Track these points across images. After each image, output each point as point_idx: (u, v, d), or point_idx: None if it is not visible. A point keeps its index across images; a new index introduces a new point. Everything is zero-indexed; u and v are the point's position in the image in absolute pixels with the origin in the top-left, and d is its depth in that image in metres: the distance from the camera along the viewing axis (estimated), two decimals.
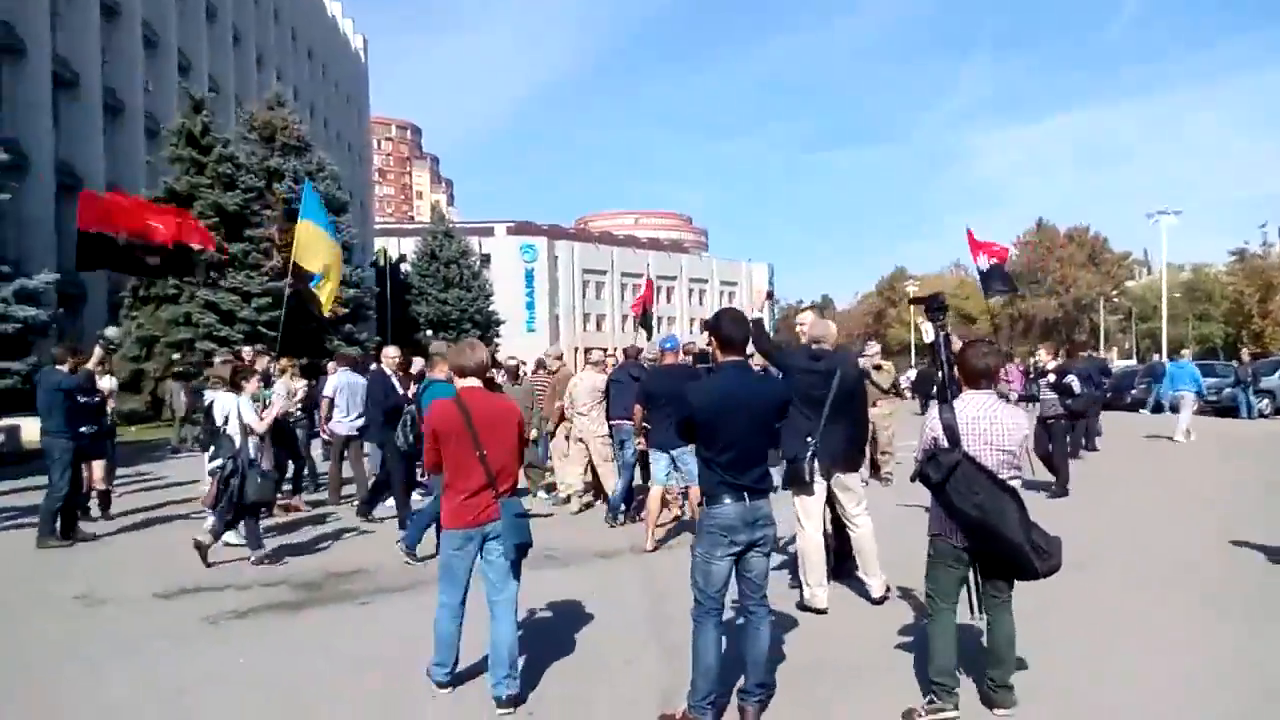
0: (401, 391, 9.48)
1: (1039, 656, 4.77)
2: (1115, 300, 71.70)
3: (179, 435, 17.84)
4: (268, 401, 8.93)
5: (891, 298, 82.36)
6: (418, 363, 10.53)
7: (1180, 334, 60.81)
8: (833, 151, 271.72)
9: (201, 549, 7.43)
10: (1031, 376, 13.14)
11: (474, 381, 4.57)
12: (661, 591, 6.38)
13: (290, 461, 10.68)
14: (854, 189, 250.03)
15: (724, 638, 4.29)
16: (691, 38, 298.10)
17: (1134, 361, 47.02)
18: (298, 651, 5.36)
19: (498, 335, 51.71)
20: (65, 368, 9.02)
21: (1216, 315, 67.48)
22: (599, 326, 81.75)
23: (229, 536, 7.89)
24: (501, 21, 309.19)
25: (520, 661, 4.56)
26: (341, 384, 10.79)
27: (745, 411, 4.13)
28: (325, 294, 12.72)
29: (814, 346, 6.22)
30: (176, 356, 24.75)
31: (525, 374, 12.84)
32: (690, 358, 8.70)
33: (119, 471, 11.73)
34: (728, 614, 4.29)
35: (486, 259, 64.07)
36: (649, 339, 16.46)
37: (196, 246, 10.58)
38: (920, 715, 4.14)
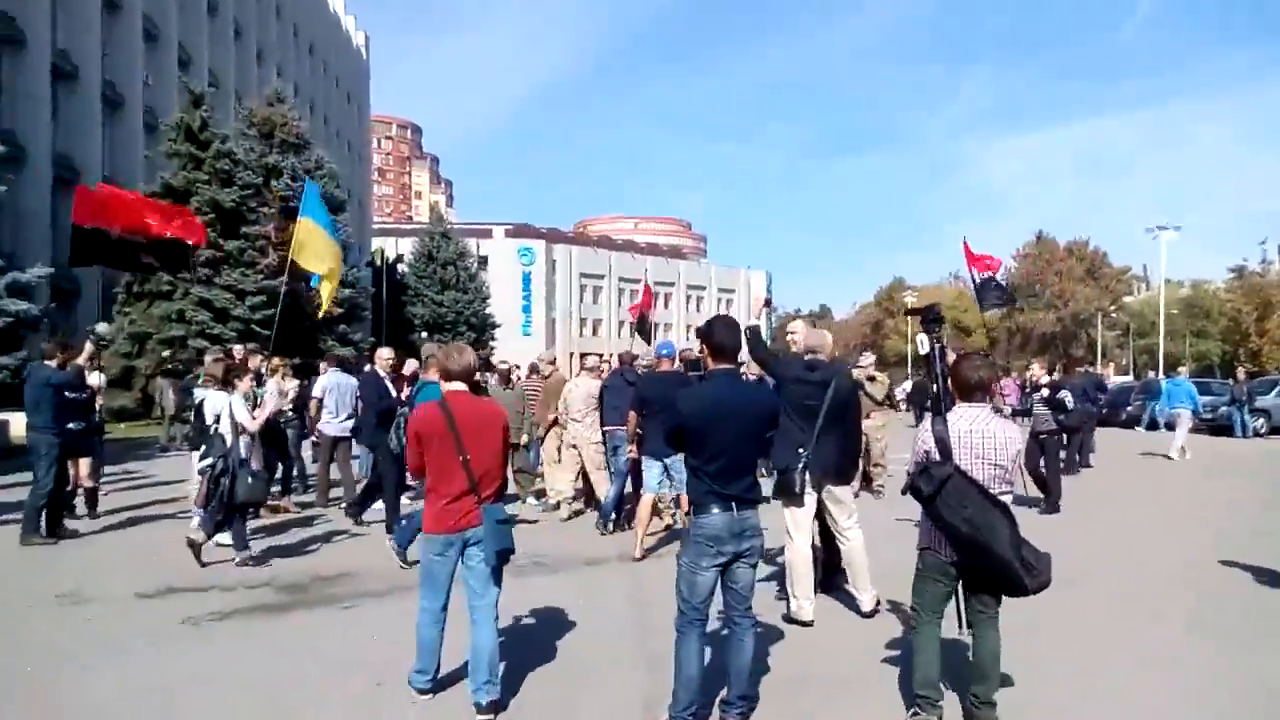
0: (395, 393, 9.42)
1: (1027, 673, 4.75)
2: (1113, 315, 71.82)
3: (168, 433, 17.74)
4: (260, 400, 8.86)
5: (890, 308, 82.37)
6: (410, 364, 10.47)
7: (1178, 351, 60.93)
8: (834, 158, 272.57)
9: (195, 547, 7.39)
10: (1026, 391, 13.12)
11: (460, 385, 4.53)
12: (648, 600, 6.34)
13: (279, 462, 10.62)
14: (855, 196, 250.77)
15: (708, 648, 4.27)
16: (693, 40, 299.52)
17: (1130, 377, 47.01)
18: (280, 654, 5.31)
19: (493, 338, 51.66)
20: (54, 363, 8.95)
21: (1214, 333, 67.61)
22: (595, 331, 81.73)
23: (220, 536, 7.83)
24: (503, 21, 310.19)
25: (501, 668, 4.51)
26: (330, 384, 10.72)
27: (735, 420, 4.10)
28: (325, 294, 12.71)
29: (809, 357, 6.18)
30: (166, 354, 24.64)
31: (519, 378, 12.80)
32: (683, 365, 8.66)
33: (107, 469, 11.64)
34: (713, 624, 4.25)
35: (484, 261, 64.12)
36: (648, 345, 16.42)
37: (191, 242, 10.52)
38: None
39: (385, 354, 10.03)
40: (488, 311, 52.23)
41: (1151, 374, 39.12)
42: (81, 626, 5.89)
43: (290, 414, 11.32)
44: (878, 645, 5.42)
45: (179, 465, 12.22)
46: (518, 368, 14.21)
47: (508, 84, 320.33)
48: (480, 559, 4.38)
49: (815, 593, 6.11)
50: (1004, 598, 4.21)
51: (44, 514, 8.64)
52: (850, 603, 6.26)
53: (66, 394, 8.96)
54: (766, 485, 6.08)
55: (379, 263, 43.96)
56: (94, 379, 10.00)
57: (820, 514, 6.20)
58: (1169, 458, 17.00)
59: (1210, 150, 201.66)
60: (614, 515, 9.12)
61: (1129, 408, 26.85)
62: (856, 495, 6.38)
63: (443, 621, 4.48)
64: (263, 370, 10.49)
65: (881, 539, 6.61)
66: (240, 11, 45.07)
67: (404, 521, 7.89)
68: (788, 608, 5.96)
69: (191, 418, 8.92)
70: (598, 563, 7.86)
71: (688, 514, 4.36)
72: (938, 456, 4.17)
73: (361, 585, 6.92)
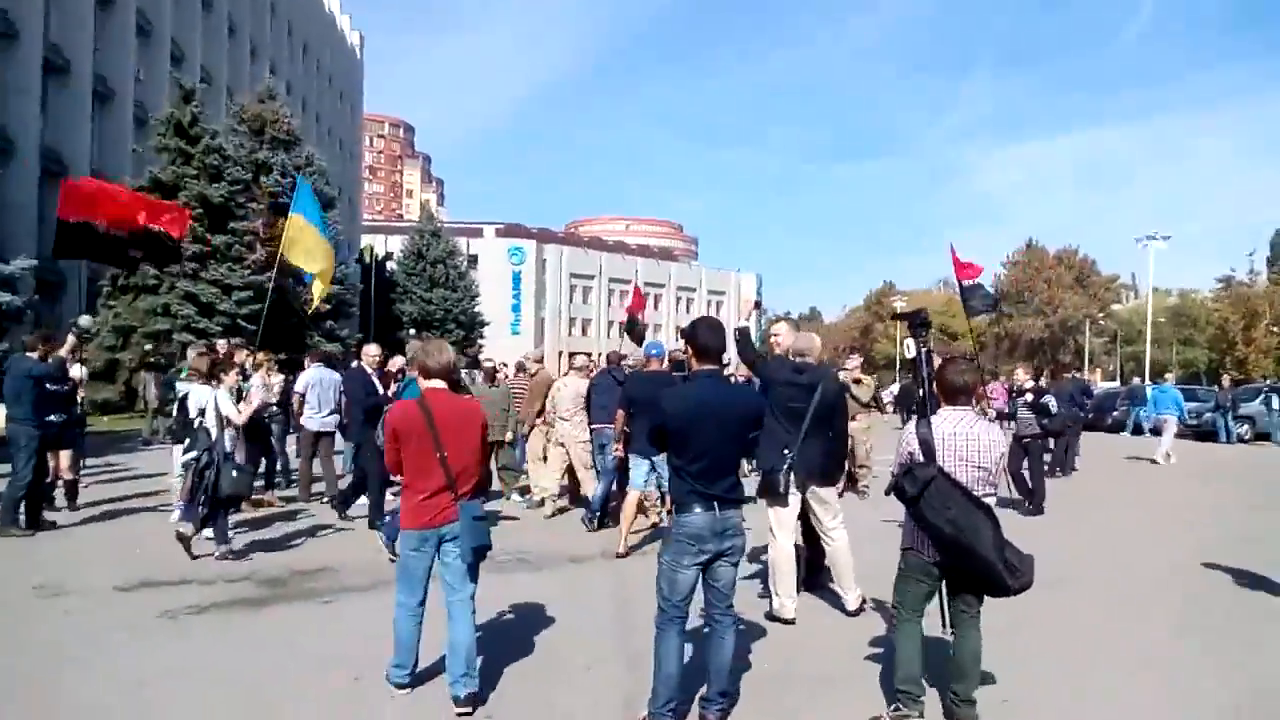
0: (382, 390, 9.37)
1: (1008, 672, 4.76)
2: (1101, 323, 72.20)
3: (151, 427, 17.64)
4: (245, 395, 8.81)
5: (879, 312, 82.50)
6: (397, 361, 10.43)
7: (1165, 358, 61.28)
8: (829, 163, 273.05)
9: (185, 541, 7.34)
10: (1013, 395, 13.16)
11: (439, 383, 4.52)
12: (630, 597, 6.31)
13: (263, 456, 10.56)
14: (848, 201, 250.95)
15: (689, 645, 4.26)
16: (691, 42, 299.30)
17: (1117, 383, 47.31)
18: (259, 649, 5.26)
19: (482, 337, 51.55)
20: (36, 355, 8.89)
21: (1201, 341, 68.10)
22: (585, 331, 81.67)
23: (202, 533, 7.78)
24: (499, 22, 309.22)
25: (480, 662, 4.51)
26: (313, 380, 10.67)
27: (718, 421, 4.09)
28: (317, 293, 12.68)
29: (798, 360, 6.18)
30: (149, 347, 24.49)
31: (506, 375, 12.77)
32: (669, 365, 8.67)
33: (88, 462, 11.56)
34: (695, 622, 4.24)
35: (474, 260, 64.04)
36: (639, 346, 16.41)
37: (175, 235, 10.45)
38: None
39: (372, 350, 9.99)
40: (477, 310, 52.08)
41: (1137, 380, 39.38)
42: (59, 619, 5.83)
43: (275, 409, 11.27)
44: (860, 643, 5.43)
45: (161, 458, 12.12)
46: (505, 365, 14.18)
47: (502, 85, 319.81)
48: (456, 555, 4.37)
49: (798, 591, 6.12)
50: (986, 598, 4.23)
51: (23, 506, 8.56)
52: (834, 601, 6.26)
53: (48, 386, 8.89)
54: (749, 485, 6.10)
55: (368, 260, 43.75)
56: (75, 371, 9.93)
57: (804, 513, 6.21)
58: (1155, 462, 17.12)
59: (1201, 163, 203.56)
60: (600, 512, 9.09)
61: (1114, 413, 27.12)
62: (841, 495, 6.37)
63: (420, 616, 4.46)
64: (247, 365, 10.44)
65: (867, 539, 6.62)
66: (234, 8, 44.85)
67: (389, 518, 7.86)
68: (770, 606, 5.96)
69: (175, 411, 8.85)
70: (581, 560, 7.84)
71: (669, 512, 4.35)
72: (921, 458, 4.19)
73: (342, 580, 6.88)
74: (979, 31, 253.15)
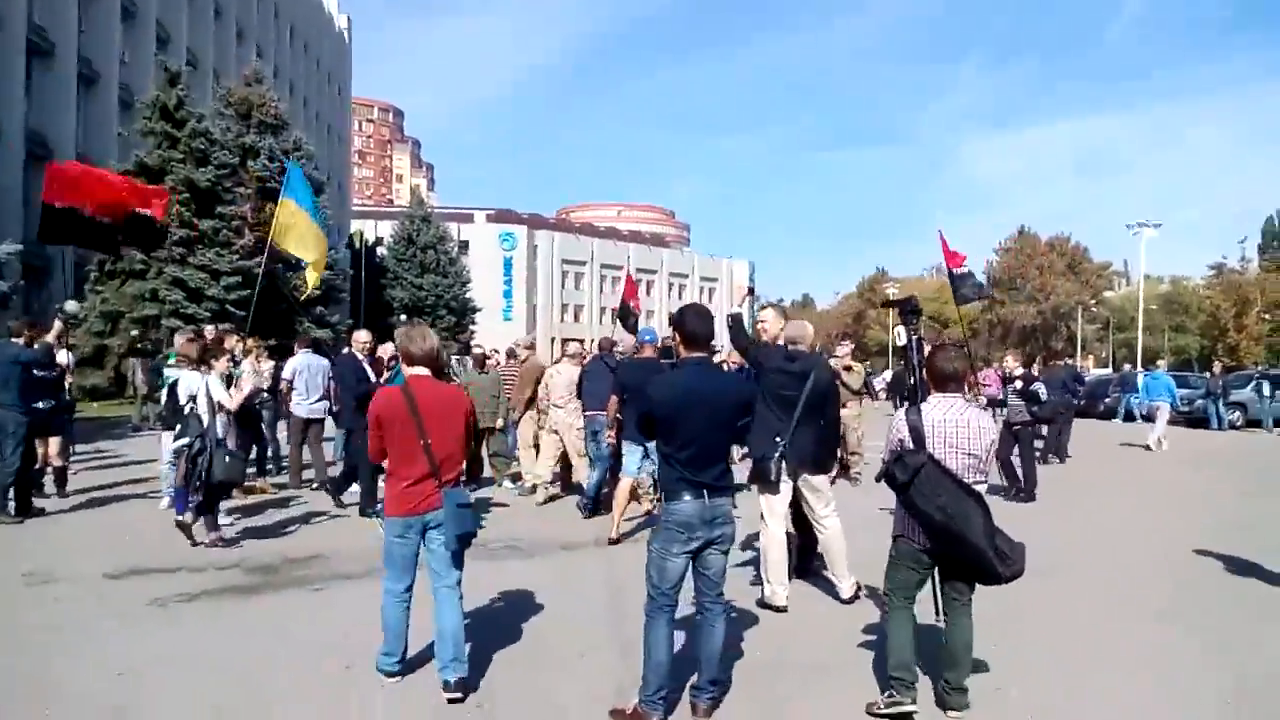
0: (373, 377, 9.32)
1: (1000, 660, 4.77)
2: (1093, 310, 72.42)
3: (140, 413, 17.55)
4: (236, 381, 8.75)
5: (872, 299, 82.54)
6: (387, 348, 10.36)
7: (1156, 345, 61.60)
8: (824, 152, 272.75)
9: (185, 529, 7.33)
10: (1005, 382, 13.17)
11: (422, 370, 4.49)
12: (622, 585, 6.29)
13: (254, 443, 10.50)
14: (842, 189, 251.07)
15: (680, 634, 4.25)
16: (685, 27, 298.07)
17: (1109, 370, 47.48)
18: (248, 636, 5.23)
19: (473, 323, 51.38)
20: (21, 341, 8.81)
21: (1192, 328, 68.41)
22: (576, 318, 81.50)
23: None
24: (490, 5, 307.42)
25: (470, 650, 4.50)
26: (300, 366, 10.61)
27: (706, 408, 4.06)
28: (311, 281, 12.61)
29: (791, 348, 6.16)
30: (135, 333, 24.34)
31: (498, 362, 12.72)
32: (657, 352, 8.66)
33: (77, 448, 11.51)
34: (687, 610, 4.22)
35: (465, 246, 63.75)
36: (632, 334, 16.37)
37: (159, 217, 10.35)
38: (879, 708, 4.17)
39: (362, 336, 9.93)
40: (468, 296, 51.94)
41: (1128, 367, 39.54)
42: (48, 607, 5.79)
43: (265, 395, 11.20)
44: (853, 631, 5.42)
45: (150, 444, 12.07)
46: (496, 351, 14.13)
47: (493, 69, 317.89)
48: (440, 542, 4.36)
49: (790, 579, 6.12)
50: (978, 586, 4.23)
51: (12, 493, 8.50)
52: (826, 588, 6.26)
53: (35, 372, 8.82)
54: (739, 473, 6.08)
55: (358, 245, 43.56)
56: (62, 357, 9.85)
57: (795, 500, 6.20)
58: (1148, 448, 17.20)
59: (1194, 151, 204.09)
60: (595, 499, 9.07)
61: (1106, 399, 27.23)
62: (833, 483, 6.36)
63: (407, 602, 4.46)
64: (236, 351, 10.36)
65: (861, 527, 6.61)
66: None
67: (381, 505, 7.83)
68: (762, 593, 5.95)
69: (164, 398, 8.79)
70: (573, 547, 7.82)
71: (659, 500, 4.33)
72: (911, 445, 4.19)
73: (333, 567, 6.84)
74: (975, 19, 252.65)
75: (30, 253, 22.83)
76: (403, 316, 42.36)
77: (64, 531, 8.18)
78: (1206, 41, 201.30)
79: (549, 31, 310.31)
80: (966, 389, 4.69)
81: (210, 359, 7.95)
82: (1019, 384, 11.33)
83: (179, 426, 7.61)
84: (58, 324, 9.78)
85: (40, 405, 8.91)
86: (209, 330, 11.25)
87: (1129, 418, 25.38)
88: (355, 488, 9.14)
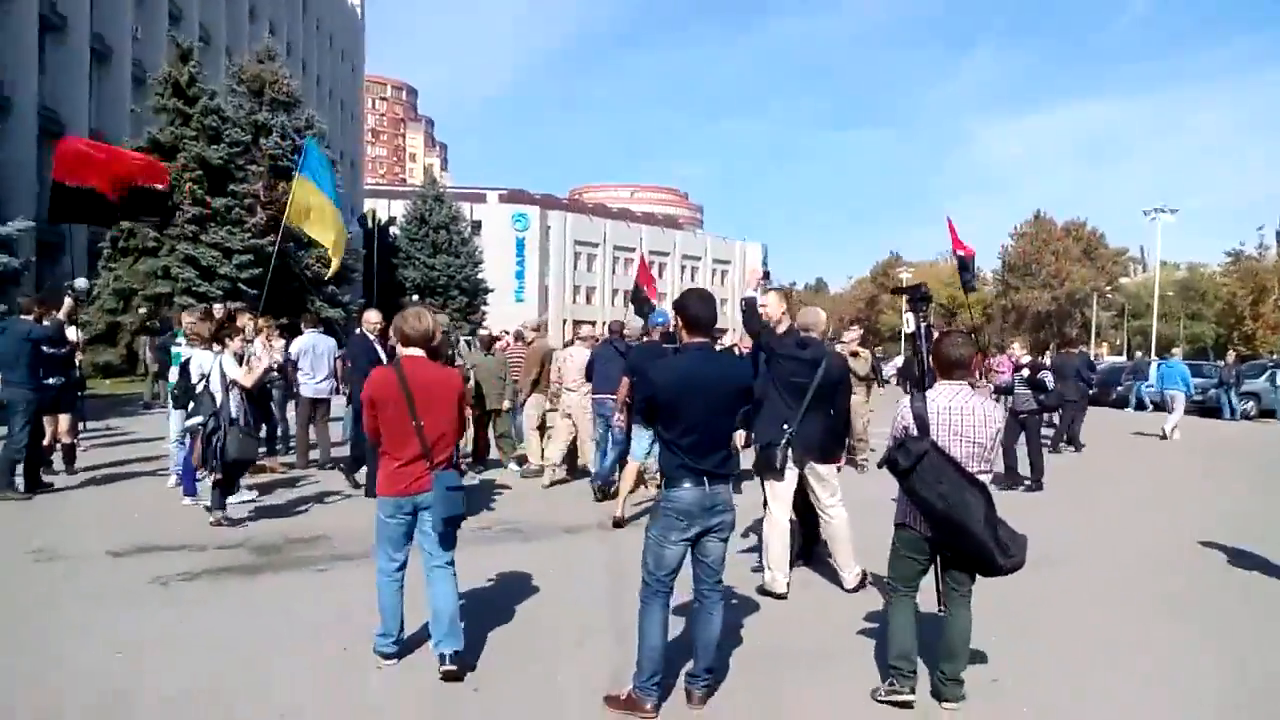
0: (384, 357, 9.31)
1: (998, 653, 4.74)
2: (1109, 296, 71.74)
3: (152, 390, 17.64)
4: (248, 359, 8.76)
5: (885, 283, 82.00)
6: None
7: (1172, 333, 61.07)
8: (836, 134, 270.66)
9: (218, 516, 7.39)
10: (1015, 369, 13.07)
11: (417, 351, 4.49)
12: (622, 570, 6.24)
13: (263, 422, 10.52)
14: (856, 172, 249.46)
15: (680, 620, 4.22)
16: (699, 9, 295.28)
17: (1123, 358, 47.13)
18: (248, 616, 5.25)
19: (485, 304, 51.42)
20: (31, 318, 8.84)
21: (1209, 315, 67.72)
22: (589, 299, 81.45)
23: (202, 495, 7.81)
24: None
25: (468, 632, 4.53)
26: (306, 346, 10.61)
27: (707, 394, 4.03)
28: (334, 264, 12.63)
29: (803, 334, 6.11)
30: (143, 311, 24.44)
31: (507, 343, 12.72)
32: (661, 337, 8.61)
33: (88, 425, 11.58)
34: (685, 597, 4.20)
35: (477, 226, 63.61)
36: (643, 319, 16.37)
37: (159, 188, 10.34)
38: (881, 695, 4.18)
39: (372, 317, 9.89)
40: (480, 276, 51.89)
41: (1140, 354, 39.24)
42: (51, 584, 5.83)
43: (275, 374, 11.22)
44: (854, 619, 5.40)
45: (160, 422, 12.12)
46: (506, 333, 14.12)
47: (509, 49, 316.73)
48: (430, 524, 4.39)
49: (793, 566, 6.10)
50: (979, 577, 4.19)
51: (20, 469, 8.56)
52: (828, 576, 6.24)
53: (45, 349, 8.86)
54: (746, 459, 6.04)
55: (370, 225, 43.55)
56: (71, 334, 9.88)
57: (800, 488, 6.15)
58: (1162, 436, 17.09)
59: (1212, 136, 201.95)
60: (607, 482, 9.06)
61: (1119, 388, 27.01)
62: (839, 470, 6.31)
63: (400, 582, 4.48)
64: (248, 330, 10.37)
65: (870, 514, 6.55)
66: None
67: None
68: (763, 580, 5.93)
69: (177, 377, 8.81)
70: (576, 531, 7.82)
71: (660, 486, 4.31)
72: (915, 432, 4.15)
73: (336, 548, 6.86)
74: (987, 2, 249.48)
75: (43, 229, 22.94)
76: (414, 297, 42.43)
77: (71, 509, 8.23)
78: (1225, 23, 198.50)
79: (564, 10, 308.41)
80: (977, 375, 4.67)
81: (225, 337, 7.94)
82: (1026, 372, 11.25)
83: (191, 405, 7.63)
84: (68, 301, 9.79)
85: (50, 382, 8.96)
86: (217, 308, 11.25)
87: (1140, 406, 25.20)
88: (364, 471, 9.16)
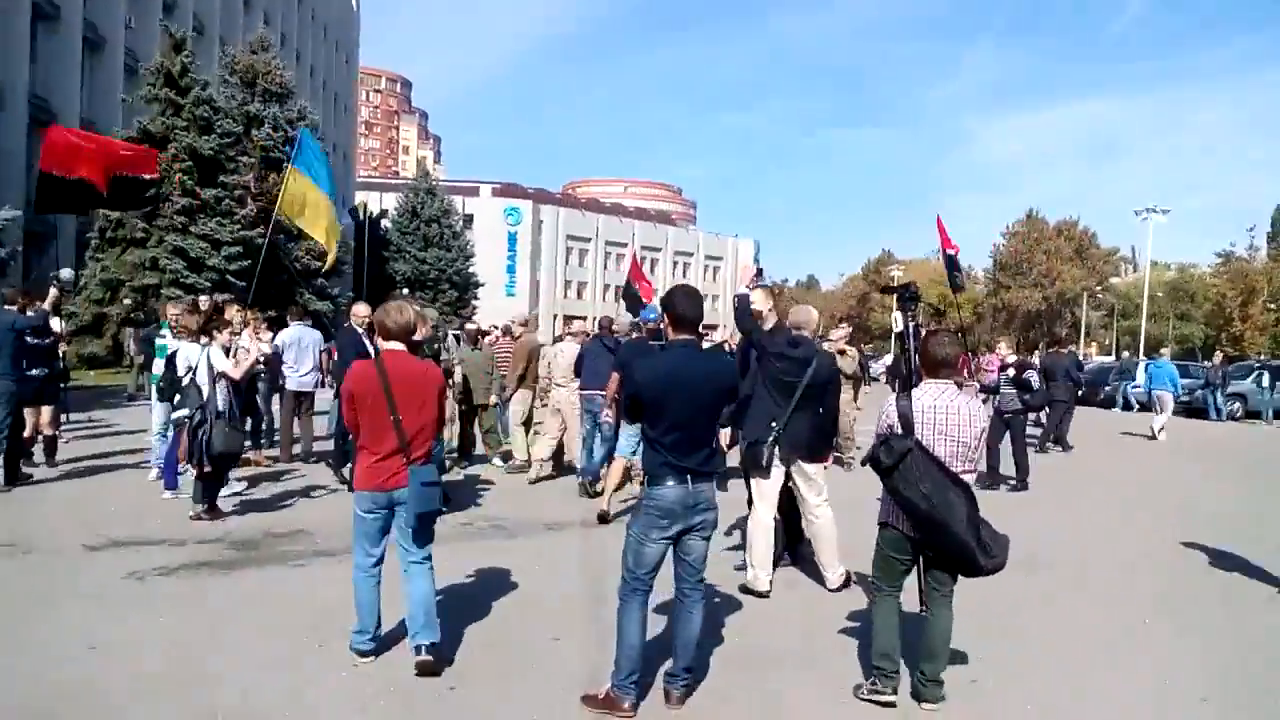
0: (373, 351, 9.25)
1: (979, 654, 4.72)
2: (1099, 296, 71.94)
3: (136, 382, 17.52)
4: (234, 353, 8.69)
5: (876, 281, 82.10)
6: None
7: (1161, 333, 61.30)
8: (830, 130, 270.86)
9: (208, 511, 7.33)
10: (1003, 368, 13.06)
11: (397, 345, 4.45)
12: (604, 568, 6.20)
13: (248, 415, 10.44)
14: (849, 169, 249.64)
15: (660, 619, 4.19)
16: (694, 4, 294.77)
17: (1112, 358, 47.31)
18: (223, 612, 5.19)
19: (476, 298, 51.20)
20: (15, 308, 8.76)
21: (1198, 316, 68.04)
22: (580, 294, 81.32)
23: (184, 487, 7.75)
24: None
25: (447, 629, 4.50)
26: (291, 339, 10.55)
27: (692, 392, 4.00)
28: (330, 257, 12.56)
29: (795, 332, 6.08)
30: (128, 302, 24.25)
31: (496, 337, 12.66)
32: (647, 334, 8.57)
33: (71, 417, 11.47)
34: (666, 596, 4.18)
35: (469, 219, 63.34)
36: (634, 316, 16.31)
37: (152, 174, 10.29)
38: (863, 694, 4.19)
39: (361, 310, 9.83)
40: (471, 270, 51.60)
41: (1127, 354, 39.35)
42: (25, 577, 5.76)
43: (261, 367, 11.14)
44: (835, 618, 5.38)
45: (145, 415, 12.02)
46: (495, 327, 14.05)
47: (503, 43, 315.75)
48: (405, 519, 4.36)
49: (778, 565, 6.09)
50: (961, 578, 4.18)
51: (1, 461, 8.46)
52: (811, 574, 6.22)
53: (28, 340, 8.77)
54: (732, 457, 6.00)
55: (362, 217, 43.27)
56: (55, 325, 9.78)
57: (787, 487, 6.12)
58: (1152, 437, 17.13)
59: (1205, 137, 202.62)
60: (597, 477, 9.01)
61: (1106, 387, 27.09)
62: (826, 468, 6.28)
63: (377, 578, 4.44)
64: (236, 322, 10.29)
65: (858, 512, 6.53)
66: None
67: None
68: (745, 578, 5.90)
69: (163, 369, 8.73)
70: (559, 528, 7.77)
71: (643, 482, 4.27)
72: (900, 431, 4.14)
73: (316, 544, 6.79)
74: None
75: (32, 218, 22.75)
76: (405, 290, 42.23)
77: (50, 501, 8.15)
78: (1220, 24, 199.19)
79: (560, 4, 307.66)
80: (965, 374, 4.66)
81: (212, 330, 7.87)
82: (1011, 371, 11.24)
83: (177, 398, 7.56)
84: (53, 292, 9.71)
85: (34, 373, 8.87)
86: (203, 300, 11.16)
87: (1127, 406, 25.29)
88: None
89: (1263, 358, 37.61)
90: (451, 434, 10.49)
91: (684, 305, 4.15)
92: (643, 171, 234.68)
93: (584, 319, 11.58)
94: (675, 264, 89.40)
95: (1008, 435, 10.98)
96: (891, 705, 4.11)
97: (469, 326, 12.44)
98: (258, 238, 26.35)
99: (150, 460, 9.19)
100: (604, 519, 7.79)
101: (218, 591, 5.61)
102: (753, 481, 6.02)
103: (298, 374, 10.45)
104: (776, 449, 5.81)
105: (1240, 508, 9.90)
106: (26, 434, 9.14)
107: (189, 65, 27.96)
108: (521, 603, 5.53)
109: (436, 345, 8.86)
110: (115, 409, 15.31)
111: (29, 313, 8.93)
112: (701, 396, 4.03)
